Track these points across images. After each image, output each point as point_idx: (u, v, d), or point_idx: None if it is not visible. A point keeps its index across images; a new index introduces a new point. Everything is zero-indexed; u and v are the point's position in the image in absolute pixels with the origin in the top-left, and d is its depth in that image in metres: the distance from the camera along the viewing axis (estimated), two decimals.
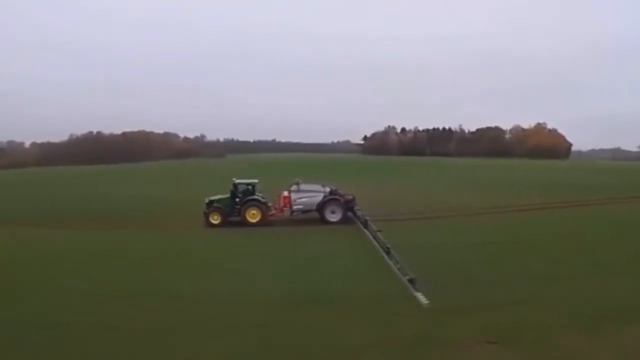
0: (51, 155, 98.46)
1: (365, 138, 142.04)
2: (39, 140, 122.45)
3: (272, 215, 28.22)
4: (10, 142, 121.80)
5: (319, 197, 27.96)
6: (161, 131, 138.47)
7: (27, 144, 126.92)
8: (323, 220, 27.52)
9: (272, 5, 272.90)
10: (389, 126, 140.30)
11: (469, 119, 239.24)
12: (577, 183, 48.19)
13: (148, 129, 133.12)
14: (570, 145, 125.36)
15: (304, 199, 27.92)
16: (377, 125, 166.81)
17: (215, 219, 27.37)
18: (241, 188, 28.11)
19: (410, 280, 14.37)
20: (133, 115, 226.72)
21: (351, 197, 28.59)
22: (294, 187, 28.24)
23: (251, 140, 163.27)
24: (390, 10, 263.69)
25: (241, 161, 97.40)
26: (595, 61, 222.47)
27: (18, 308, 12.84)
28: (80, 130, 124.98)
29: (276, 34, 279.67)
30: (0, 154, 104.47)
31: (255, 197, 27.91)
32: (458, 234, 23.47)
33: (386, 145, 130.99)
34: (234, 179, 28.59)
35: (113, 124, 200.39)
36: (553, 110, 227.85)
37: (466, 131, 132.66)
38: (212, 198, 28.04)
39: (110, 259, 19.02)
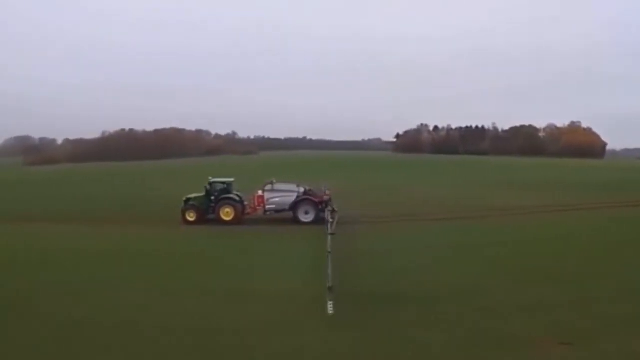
0: (84, 152, 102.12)
1: (397, 136, 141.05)
2: (72, 137, 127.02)
3: (247, 214, 28.55)
4: (42, 139, 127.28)
5: (292, 197, 27.97)
6: (193, 128, 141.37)
7: (60, 140, 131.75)
8: (296, 221, 27.50)
9: (301, 5, 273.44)
10: (421, 124, 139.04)
11: (503, 117, 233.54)
12: (620, 182, 46.99)
13: (180, 127, 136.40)
14: (605, 144, 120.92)
15: (276, 199, 28.00)
16: (409, 123, 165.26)
17: (191, 217, 27.87)
18: (216, 187, 28.52)
19: (329, 288, 14.13)
20: (165, 113, 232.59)
21: (328, 197, 28.49)
22: (268, 187, 28.33)
23: (282, 138, 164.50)
24: (419, 7, 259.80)
25: (273, 159, 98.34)
26: (629, 59, 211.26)
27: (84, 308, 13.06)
28: (113, 127, 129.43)
29: (308, 32, 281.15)
30: (33, 151, 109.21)
31: (230, 195, 28.27)
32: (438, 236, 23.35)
33: (419, 144, 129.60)
34: (210, 178, 29.07)
35: (146, 122, 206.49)
36: (586, 108, 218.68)
37: (500, 129, 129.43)
38: (190, 196, 28.57)
39: (157, 258, 19.36)
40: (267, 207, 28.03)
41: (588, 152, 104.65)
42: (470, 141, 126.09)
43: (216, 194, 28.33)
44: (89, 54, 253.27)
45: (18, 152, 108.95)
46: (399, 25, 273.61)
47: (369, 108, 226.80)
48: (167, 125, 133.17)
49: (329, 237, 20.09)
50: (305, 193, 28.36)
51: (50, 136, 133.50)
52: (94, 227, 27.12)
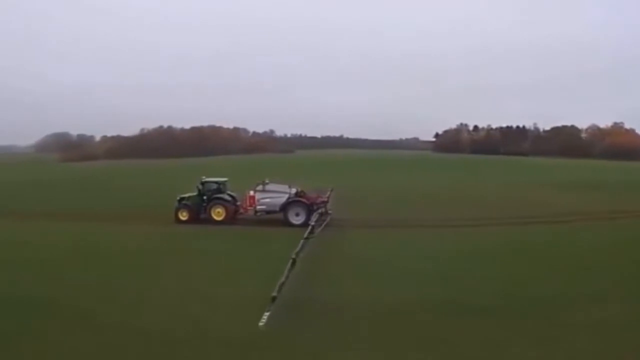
0: (121, 148, 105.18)
1: (436, 135, 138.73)
2: (110, 134, 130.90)
3: (241, 214, 28.37)
4: (80, 136, 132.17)
5: (282, 198, 27.55)
6: (231, 126, 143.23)
7: (97, 137, 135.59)
8: (286, 223, 27.01)
9: (337, 3, 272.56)
10: (461, 123, 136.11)
11: (543, 117, 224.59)
12: None
13: (218, 124, 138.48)
14: None
15: (267, 200, 27.64)
16: (446, 122, 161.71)
17: (183, 216, 27.91)
18: (209, 186, 28.48)
19: (273, 298, 13.55)
20: (203, 111, 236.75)
21: (322, 199, 27.92)
22: (259, 187, 28.01)
23: (319, 136, 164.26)
24: (461, 5, 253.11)
25: (310, 157, 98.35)
26: None
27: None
28: (152, 124, 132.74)
29: (345, 30, 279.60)
30: (71, 147, 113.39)
31: (221, 195, 28.17)
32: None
33: (458, 143, 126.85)
34: (202, 177, 29.08)
35: (183, 119, 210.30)
36: (629, 109, 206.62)
37: (540, 129, 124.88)
38: (183, 195, 28.65)
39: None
40: (258, 207, 27.71)
41: (631, 154, 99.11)
42: (510, 141, 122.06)
43: (208, 193, 28.28)
44: (127, 54, 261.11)
45: (56, 148, 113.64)
46: (436, 22, 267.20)
47: (405, 107, 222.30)
48: (205, 123, 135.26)
49: (301, 242, 19.50)
50: (296, 194, 27.85)
51: (88, 133, 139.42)
52: (126, 225, 27.33)
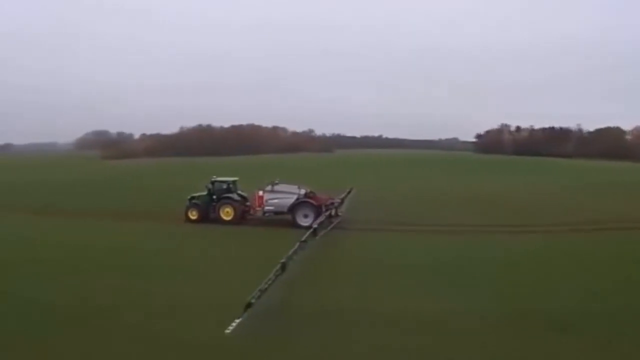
0: (161, 146, 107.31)
1: (478, 136, 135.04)
2: (149, 132, 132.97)
3: (251, 214, 28.01)
4: (120, 134, 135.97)
5: (290, 199, 26.98)
6: (270, 125, 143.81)
7: (137, 135, 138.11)
8: (294, 224, 26.37)
9: (375, 3, 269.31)
10: (503, 124, 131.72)
11: (587, 118, 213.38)
12: None
13: (257, 123, 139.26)
14: None
15: (275, 200, 27.13)
16: (489, 122, 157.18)
17: (193, 215, 27.85)
18: (218, 186, 28.25)
19: (248, 304, 12.97)
20: (243, 110, 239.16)
21: (330, 201, 27.19)
22: (268, 187, 27.54)
23: (358, 136, 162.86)
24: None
25: (350, 157, 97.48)
26: None
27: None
28: (191, 123, 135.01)
29: (383, 30, 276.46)
30: (111, 145, 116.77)
31: (230, 195, 27.88)
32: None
33: (500, 144, 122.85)
34: (213, 177, 28.90)
35: (223, 117, 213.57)
36: None
37: (584, 131, 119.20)
38: (194, 194, 28.56)
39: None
40: (266, 208, 27.26)
41: None
42: (553, 142, 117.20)
43: (218, 193, 28.07)
44: (167, 53, 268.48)
45: (95, 145, 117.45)
46: (476, 18, 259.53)
47: (443, 107, 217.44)
48: (244, 122, 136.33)
49: (297, 244, 18.81)
50: (305, 195, 27.20)
51: (127, 131, 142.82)
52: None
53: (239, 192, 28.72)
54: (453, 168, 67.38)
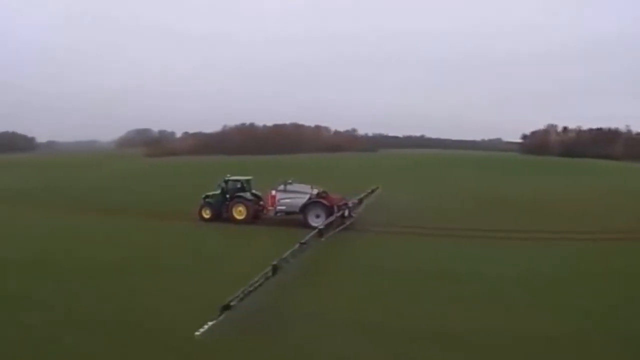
0: (203, 145, 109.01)
1: (524, 136, 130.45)
2: (191, 131, 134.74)
3: (264, 214, 27.64)
4: (161, 132, 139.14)
5: (302, 199, 26.39)
6: (312, 124, 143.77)
7: (179, 133, 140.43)
8: (306, 224, 25.70)
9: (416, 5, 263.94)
10: (549, 124, 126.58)
11: (637, 118, 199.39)
12: None
13: (300, 122, 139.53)
14: None
15: (287, 200, 26.65)
16: (535, 123, 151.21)
17: (206, 214, 27.81)
18: (231, 185, 28.00)
19: (225, 306, 12.49)
20: (286, 108, 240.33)
21: (343, 201, 26.39)
22: (280, 187, 27.06)
23: (400, 136, 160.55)
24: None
25: (390, 156, 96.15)
26: None
27: None
28: (234, 121, 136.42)
29: (426, 30, 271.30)
30: (154, 143, 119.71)
31: (242, 194, 27.58)
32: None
33: (546, 145, 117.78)
34: (228, 175, 28.70)
35: (266, 116, 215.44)
36: None
37: (633, 132, 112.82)
38: (208, 193, 28.46)
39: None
40: (278, 208, 26.83)
41: None
42: (601, 144, 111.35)
43: (231, 192, 27.84)
44: (210, 50, 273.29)
45: (138, 143, 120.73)
46: (521, 19, 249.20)
47: (487, 107, 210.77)
48: (287, 121, 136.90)
49: (296, 246, 18.14)
50: (318, 195, 26.51)
51: (169, 129, 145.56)
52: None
53: (253, 191, 28.37)
54: (495, 169, 64.56)
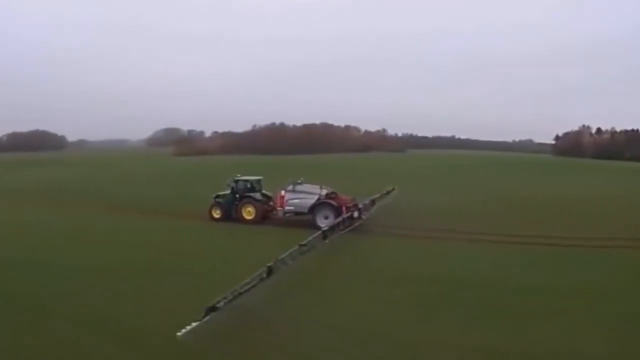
0: (233, 144, 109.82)
1: (556, 138, 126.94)
2: (220, 130, 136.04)
3: (274, 214, 27.33)
4: (190, 131, 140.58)
5: (311, 200, 25.92)
6: (342, 124, 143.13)
7: (208, 133, 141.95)
8: (314, 225, 25.15)
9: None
10: (583, 126, 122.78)
11: None
12: None
13: (329, 122, 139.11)
14: None
15: (296, 200, 26.24)
16: (567, 124, 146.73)
17: (216, 214, 27.72)
18: (241, 185, 27.78)
19: (211, 308, 12.20)
20: (316, 108, 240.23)
21: (353, 203, 25.77)
22: (289, 187, 26.66)
23: (430, 136, 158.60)
24: None
25: (420, 157, 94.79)
26: None
27: None
28: (264, 121, 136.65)
29: (454, 30, 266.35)
30: (183, 142, 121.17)
31: (251, 194, 27.32)
32: None
33: (580, 146, 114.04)
34: (237, 175, 28.51)
35: (296, 116, 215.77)
36: None
37: None
38: (219, 193, 28.33)
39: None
40: (286, 208, 26.46)
41: None
42: (636, 145, 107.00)
43: (241, 192, 27.62)
44: (240, 52, 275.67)
45: (166, 142, 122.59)
46: (554, 17, 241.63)
47: (520, 108, 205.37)
48: (317, 121, 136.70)
49: (296, 247, 17.65)
50: (327, 196, 25.97)
51: (198, 129, 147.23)
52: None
53: (263, 191, 28.09)
54: (526, 171, 62.45)
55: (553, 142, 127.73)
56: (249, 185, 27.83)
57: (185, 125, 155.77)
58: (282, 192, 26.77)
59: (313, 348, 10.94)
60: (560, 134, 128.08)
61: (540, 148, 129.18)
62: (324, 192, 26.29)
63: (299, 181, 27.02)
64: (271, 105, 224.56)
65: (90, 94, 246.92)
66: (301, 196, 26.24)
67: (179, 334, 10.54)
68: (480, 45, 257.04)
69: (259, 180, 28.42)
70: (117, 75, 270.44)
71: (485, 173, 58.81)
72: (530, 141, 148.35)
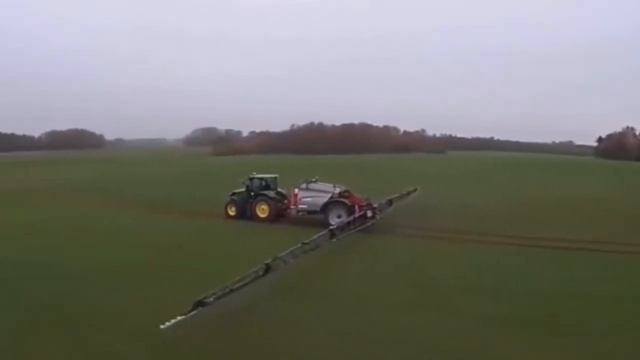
0: (270, 144, 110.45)
1: (599, 139, 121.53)
2: (257, 130, 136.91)
3: (288, 212, 27.10)
4: (228, 131, 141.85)
5: (324, 198, 25.54)
6: (381, 124, 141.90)
7: (245, 133, 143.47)
8: (326, 224, 24.65)
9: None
10: (627, 127, 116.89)
11: None
12: None
13: (369, 122, 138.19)
14: None
15: (308, 199, 25.92)
16: (610, 126, 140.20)
17: (231, 211, 27.78)
18: (256, 183, 27.69)
19: (199, 302, 12.08)
20: (355, 108, 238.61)
21: (366, 202, 25.20)
22: (303, 185, 26.37)
23: (469, 137, 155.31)
24: None
25: (458, 158, 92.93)
26: None
27: None
28: (302, 121, 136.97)
29: (492, 30, 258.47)
30: (221, 142, 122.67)
31: (265, 192, 27.18)
32: None
33: (623, 148, 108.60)
34: (253, 173, 28.44)
35: (335, 116, 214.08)
36: None
37: None
38: (235, 191, 28.36)
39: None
40: (299, 207, 26.18)
41: None
42: None
43: (256, 189, 27.55)
44: (281, 53, 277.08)
45: (204, 142, 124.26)
46: (597, 12, 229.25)
47: (559, 109, 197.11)
48: (356, 121, 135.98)
49: (299, 244, 17.25)
50: (340, 195, 25.51)
51: (235, 128, 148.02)
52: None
53: (278, 189, 27.91)
54: (565, 173, 59.70)
55: (595, 144, 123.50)
56: (264, 183, 27.73)
57: (222, 125, 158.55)
58: (296, 191, 26.52)
59: (298, 348, 10.81)
60: (603, 136, 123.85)
61: (581, 150, 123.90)
62: (337, 190, 25.89)
63: (313, 179, 26.70)
64: (309, 106, 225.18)
65: (126, 94, 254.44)
66: (314, 194, 25.91)
67: (162, 326, 10.50)
68: (523, 44, 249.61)
69: (274, 178, 28.29)
70: (156, 75, 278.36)
71: (515, 173, 56.69)
72: (571, 143, 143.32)
